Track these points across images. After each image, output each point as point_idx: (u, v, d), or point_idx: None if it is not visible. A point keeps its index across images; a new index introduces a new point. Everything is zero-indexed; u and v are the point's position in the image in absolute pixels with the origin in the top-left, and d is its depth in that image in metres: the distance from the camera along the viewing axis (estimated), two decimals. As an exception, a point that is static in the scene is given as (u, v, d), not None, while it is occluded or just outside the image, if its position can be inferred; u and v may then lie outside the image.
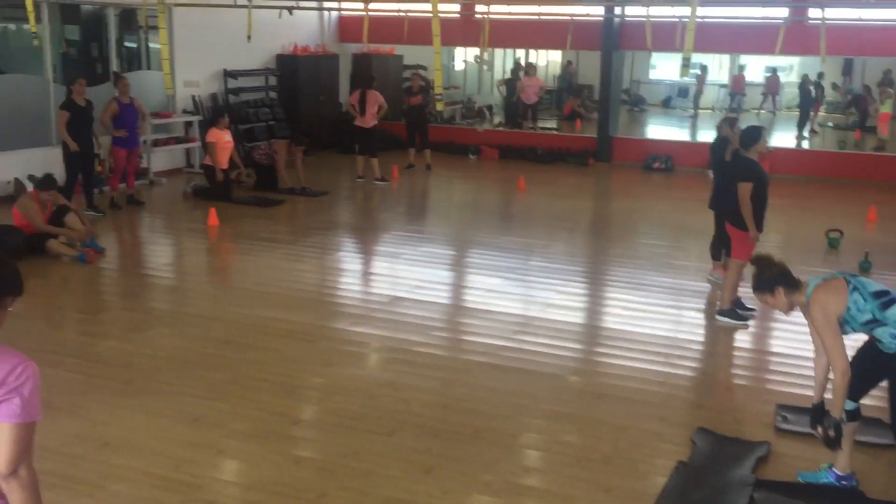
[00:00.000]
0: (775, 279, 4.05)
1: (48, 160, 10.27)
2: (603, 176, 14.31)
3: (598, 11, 13.98)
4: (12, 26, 12.58)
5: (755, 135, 6.58)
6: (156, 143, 12.12)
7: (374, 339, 6.23)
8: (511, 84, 17.86)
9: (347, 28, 16.26)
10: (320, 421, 4.89)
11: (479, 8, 13.31)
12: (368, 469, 4.26)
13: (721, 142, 7.62)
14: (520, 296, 7.52)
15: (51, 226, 8.05)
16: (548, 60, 24.08)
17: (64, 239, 8.06)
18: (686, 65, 5.29)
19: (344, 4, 15.14)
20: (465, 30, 14.37)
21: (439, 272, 8.26)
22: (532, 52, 21.55)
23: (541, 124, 17.57)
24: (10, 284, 2.56)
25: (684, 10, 10.90)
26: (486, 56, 15.35)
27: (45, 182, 8.16)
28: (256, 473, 4.23)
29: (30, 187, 10.09)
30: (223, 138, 10.94)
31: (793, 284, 4.04)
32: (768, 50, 11.82)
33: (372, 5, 10.16)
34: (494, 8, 12.85)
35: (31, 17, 6.05)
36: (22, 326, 6.33)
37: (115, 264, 8.27)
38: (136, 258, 8.83)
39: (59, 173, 9.82)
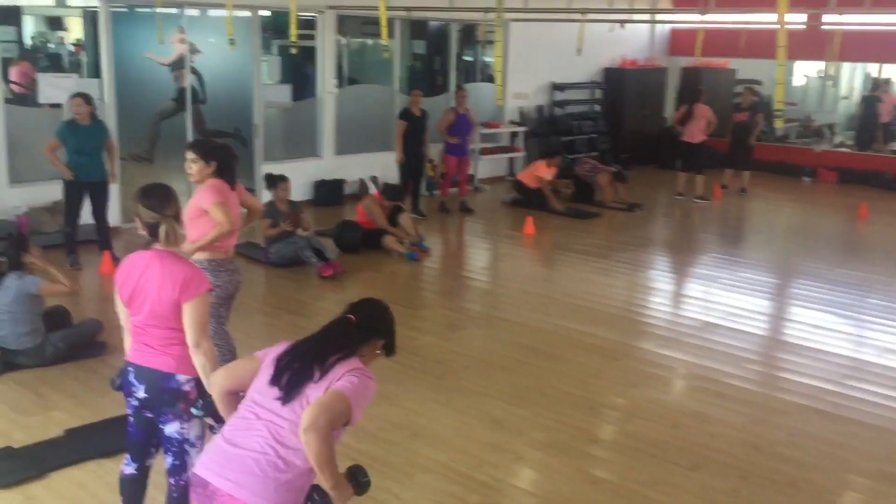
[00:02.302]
0: None
1: (387, 164, 11.24)
2: (967, 208, 12.45)
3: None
4: (369, 41, 13.95)
5: None
6: (483, 152, 12.75)
7: (681, 365, 5.99)
8: (871, 102, 15.96)
9: (679, 41, 15.84)
10: (619, 443, 4.79)
11: (829, 18, 12.22)
12: (667, 502, 4.09)
13: None
14: (852, 336, 6.79)
15: (389, 225, 8.81)
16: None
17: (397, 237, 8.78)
18: None
19: (678, 17, 14.75)
20: (808, 42, 13.29)
21: (758, 301, 7.71)
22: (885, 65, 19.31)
23: (893, 146, 15.69)
24: (382, 332, 2.81)
25: None
26: (832, 71, 14.02)
27: (394, 193, 9.00)
28: (553, 487, 4.25)
29: (371, 188, 11.14)
30: (546, 177, 11.20)
31: None
32: None
33: (708, 17, 9.72)
34: (847, 18, 11.71)
35: (384, 31, 6.63)
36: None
37: (438, 264, 8.81)
38: (456, 260, 9.35)
39: (393, 176, 10.73)
